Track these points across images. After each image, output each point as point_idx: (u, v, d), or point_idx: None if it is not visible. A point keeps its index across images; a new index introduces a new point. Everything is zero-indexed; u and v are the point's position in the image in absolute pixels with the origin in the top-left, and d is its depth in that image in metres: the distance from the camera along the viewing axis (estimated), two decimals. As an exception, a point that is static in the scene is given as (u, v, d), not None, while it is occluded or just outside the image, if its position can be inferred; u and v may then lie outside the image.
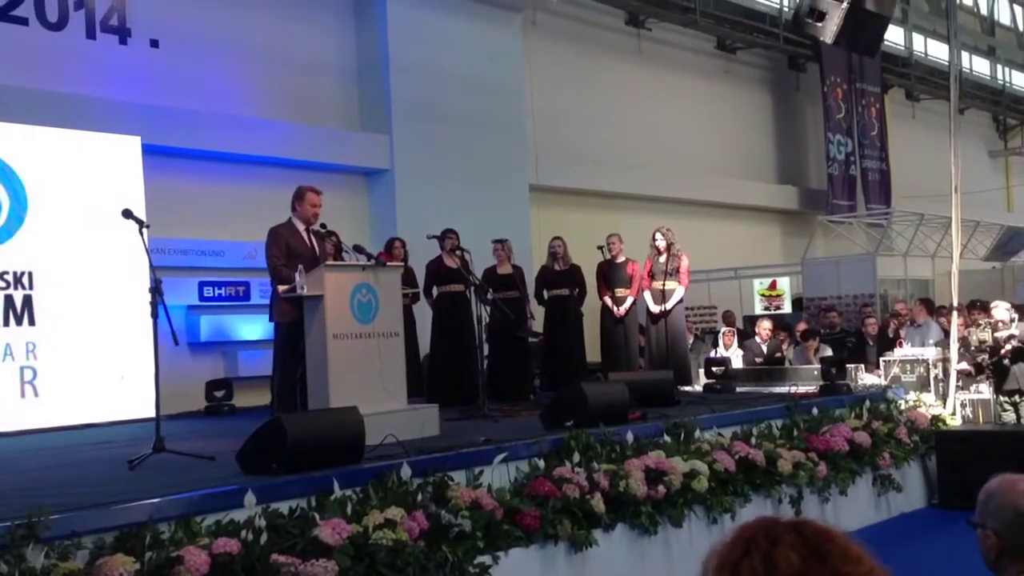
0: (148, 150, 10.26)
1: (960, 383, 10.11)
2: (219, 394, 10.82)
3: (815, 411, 8.70)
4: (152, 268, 6.42)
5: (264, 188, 11.51)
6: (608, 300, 10.85)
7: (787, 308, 17.54)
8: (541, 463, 6.21)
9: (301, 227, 7.51)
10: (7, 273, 9.01)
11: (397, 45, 13.34)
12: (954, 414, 9.90)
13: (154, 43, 11.59)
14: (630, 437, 6.86)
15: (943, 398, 10.06)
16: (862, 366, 10.83)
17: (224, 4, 12.29)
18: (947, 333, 10.70)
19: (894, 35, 23.24)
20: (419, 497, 5.33)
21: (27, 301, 9.07)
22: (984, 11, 27.41)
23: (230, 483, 5.06)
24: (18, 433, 8.57)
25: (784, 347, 12.84)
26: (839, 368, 10.12)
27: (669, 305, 10.63)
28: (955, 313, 10.30)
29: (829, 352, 11.82)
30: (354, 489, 5.21)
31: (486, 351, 9.43)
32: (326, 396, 6.52)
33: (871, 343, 12.69)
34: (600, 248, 10.96)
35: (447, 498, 5.38)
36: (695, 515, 6.75)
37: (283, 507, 4.90)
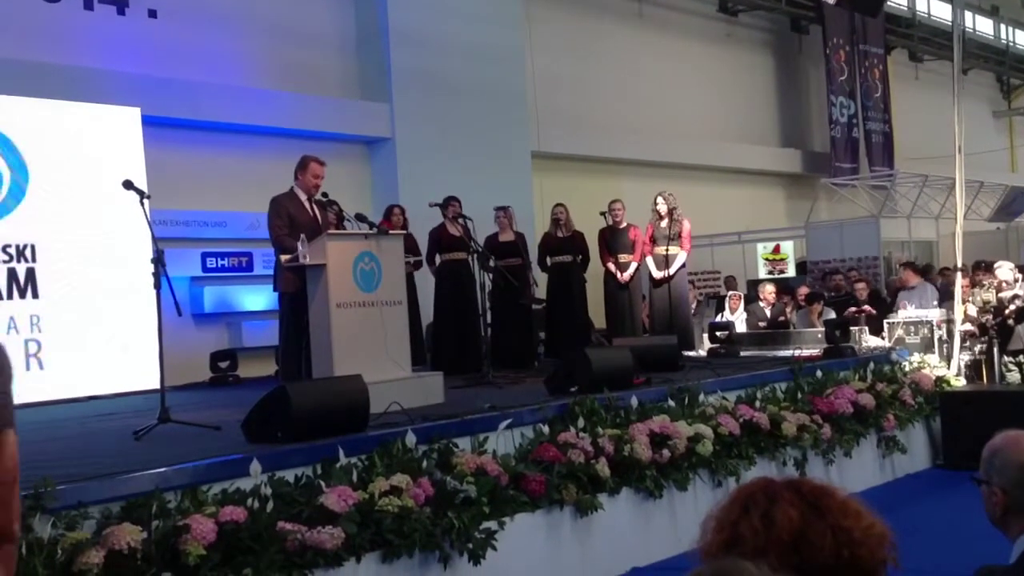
0: (148, 121, 10.22)
1: (966, 344, 10.10)
2: (224, 365, 10.86)
3: (819, 374, 8.71)
4: (154, 239, 6.40)
5: (265, 158, 11.49)
6: (611, 266, 10.81)
7: (791, 272, 17.52)
8: (546, 429, 6.23)
9: (303, 196, 7.47)
10: (10, 246, 9.01)
11: (397, 12, 13.23)
12: (958, 375, 9.90)
13: (152, 13, 11.51)
14: (634, 402, 6.89)
15: (947, 359, 10.05)
16: (866, 328, 10.83)
17: (221, -28, 12.20)
18: (944, 294, 10.67)
19: (897, -5, 23.07)
20: (424, 464, 5.34)
21: (30, 274, 9.07)
22: (988, -30, 27.20)
23: (236, 452, 5.08)
24: (23, 406, 8.39)
25: (788, 311, 12.83)
26: (843, 331, 10.11)
27: (672, 270, 10.62)
28: (959, 274, 10.28)
29: (833, 315, 11.80)
30: (359, 457, 5.22)
31: (489, 318, 9.43)
32: (330, 365, 6.52)
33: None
34: (602, 214, 10.90)
35: (452, 465, 5.40)
36: (700, 479, 6.77)
37: (289, 475, 4.93)
